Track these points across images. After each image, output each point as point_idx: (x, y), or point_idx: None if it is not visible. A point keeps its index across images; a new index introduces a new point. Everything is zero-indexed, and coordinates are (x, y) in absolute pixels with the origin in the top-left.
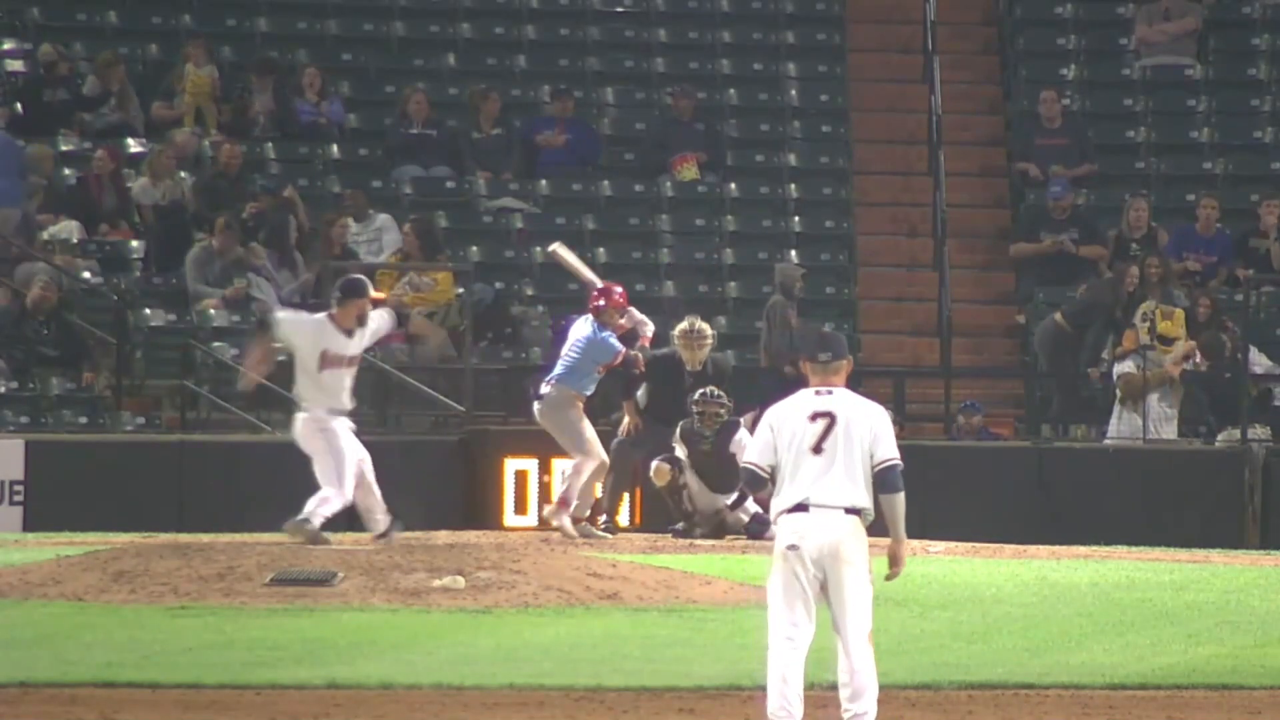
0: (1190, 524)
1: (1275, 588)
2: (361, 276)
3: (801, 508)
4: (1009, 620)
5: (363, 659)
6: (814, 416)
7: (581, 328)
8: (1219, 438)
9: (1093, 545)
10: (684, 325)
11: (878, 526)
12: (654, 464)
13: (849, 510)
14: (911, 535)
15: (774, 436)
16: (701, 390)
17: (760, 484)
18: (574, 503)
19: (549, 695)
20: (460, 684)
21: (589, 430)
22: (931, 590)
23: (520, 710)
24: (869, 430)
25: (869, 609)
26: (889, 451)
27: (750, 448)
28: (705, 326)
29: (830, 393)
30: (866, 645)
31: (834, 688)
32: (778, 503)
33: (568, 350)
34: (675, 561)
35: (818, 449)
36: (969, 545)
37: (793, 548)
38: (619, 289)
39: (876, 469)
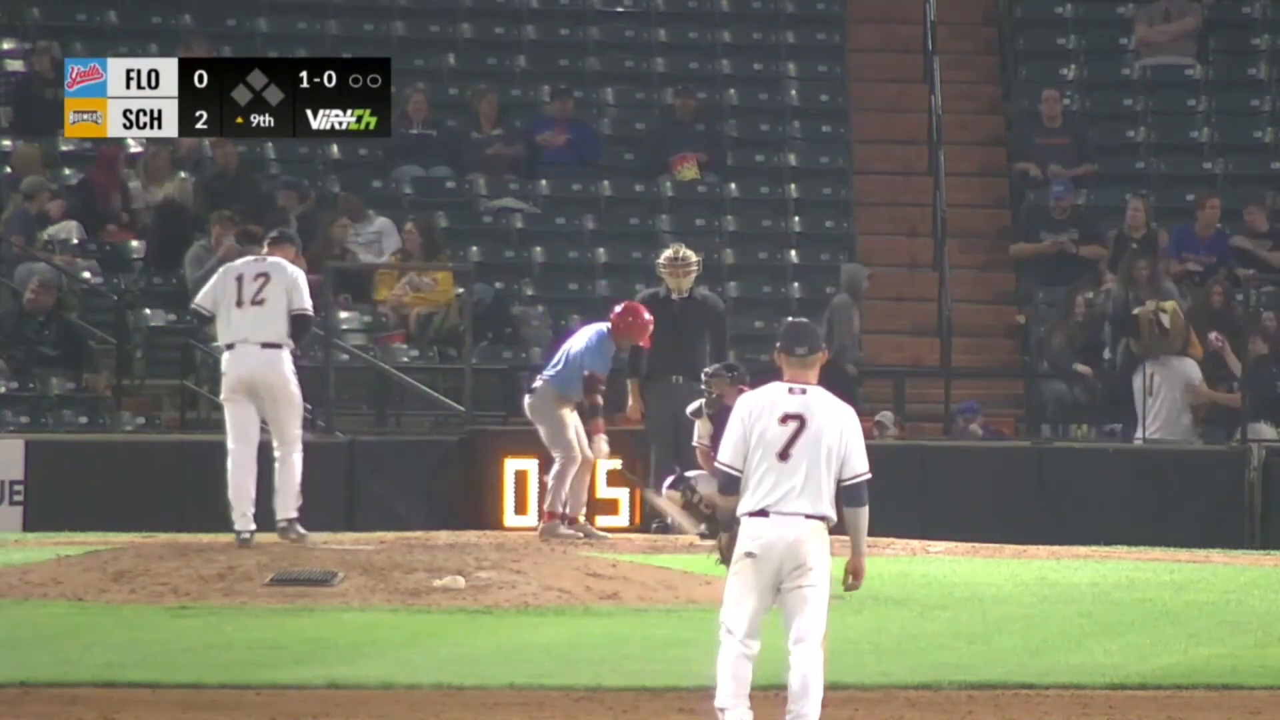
0: (1190, 524)
1: (1275, 588)
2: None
3: (762, 513)
4: (1009, 620)
5: (363, 659)
6: (784, 419)
7: (587, 332)
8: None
9: (1093, 545)
10: (668, 252)
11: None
12: (664, 492)
13: (809, 516)
14: (911, 535)
15: (746, 435)
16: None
17: (736, 487)
18: (561, 512)
19: (549, 695)
20: (460, 684)
21: (572, 431)
22: (931, 590)
23: (520, 710)
24: (839, 438)
25: (824, 613)
26: (861, 464)
27: (724, 446)
28: (690, 253)
29: (804, 391)
30: (818, 649)
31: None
32: (742, 504)
33: (566, 350)
34: (675, 561)
35: (784, 455)
36: (969, 545)
37: (750, 554)
38: (648, 317)
39: (847, 483)
